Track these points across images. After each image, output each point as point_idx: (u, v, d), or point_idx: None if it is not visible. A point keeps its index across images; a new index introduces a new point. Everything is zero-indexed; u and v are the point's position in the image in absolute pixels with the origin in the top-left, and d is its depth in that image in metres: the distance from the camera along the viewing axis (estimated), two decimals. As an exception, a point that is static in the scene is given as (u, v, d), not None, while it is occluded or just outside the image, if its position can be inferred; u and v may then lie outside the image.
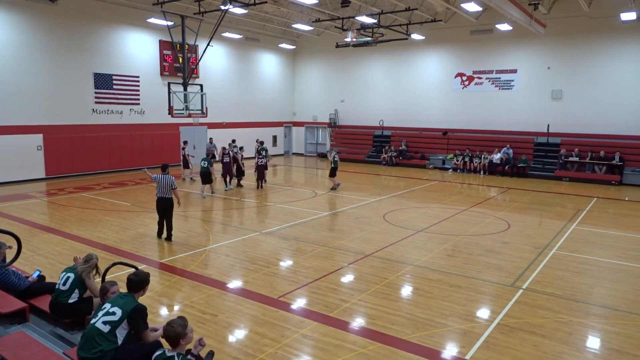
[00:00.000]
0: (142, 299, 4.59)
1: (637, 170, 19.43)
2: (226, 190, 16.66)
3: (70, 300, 5.09)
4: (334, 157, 17.27)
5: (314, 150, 31.07)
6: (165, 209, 10.15)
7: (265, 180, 17.85)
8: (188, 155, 18.97)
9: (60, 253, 9.21)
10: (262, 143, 18.79)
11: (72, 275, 5.18)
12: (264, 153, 17.95)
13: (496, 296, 7.36)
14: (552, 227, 11.97)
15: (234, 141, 18.57)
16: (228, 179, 16.96)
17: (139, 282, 4.45)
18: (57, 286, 5.19)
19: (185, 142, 19.62)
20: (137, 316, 4.20)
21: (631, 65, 20.14)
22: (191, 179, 18.70)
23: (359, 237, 10.77)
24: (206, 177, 15.65)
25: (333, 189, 17.15)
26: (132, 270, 4.90)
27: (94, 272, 5.33)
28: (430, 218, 12.87)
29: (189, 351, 3.94)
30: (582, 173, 20.32)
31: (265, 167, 17.49)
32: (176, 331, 3.79)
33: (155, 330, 4.51)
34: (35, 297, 5.47)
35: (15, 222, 11.71)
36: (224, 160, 16.81)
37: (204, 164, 15.69)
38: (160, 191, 10.10)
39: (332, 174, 17.25)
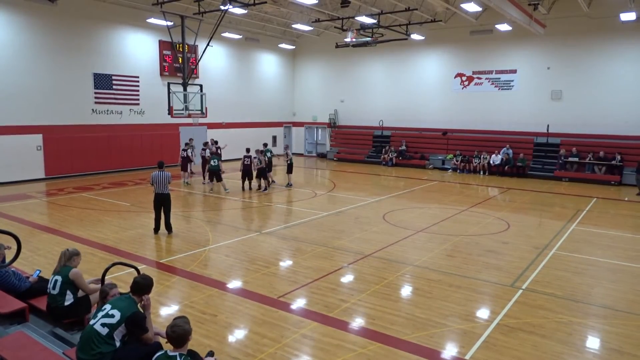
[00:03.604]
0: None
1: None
2: (264, 191, 16.71)
3: (66, 303, 5.07)
4: (288, 154, 17.97)
5: (313, 150, 31.11)
6: (163, 203, 10.64)
7: (261, 184, 17.46)
8: (193, 155, 18.74)
9: (59, 253, 9.19)
10: (265, 145, 18.61)
11: (59, 278, 5.14)
12: (269, 154, 17.64)
13: (496, 296, 7.37)
14: (551, 228, 11.98)
15: (265, 145, 18.48)
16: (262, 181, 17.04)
17: (145, 286, 4.42)
18: (48, 290, 5.17)
19: (190, 145, 19.24)
20: (134, 322, 4.18)
21: (631, 65, 20.14)
22: (187, 183, 18.38)
23: (359, 237, 10.77)
24: (216, 174, 16.44)
25: (290, 185, 17.72)
26: (132, 270, 4.89)
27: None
28: (430, 218, 12.87)
29: (190, 351, 3.94)
30: (581, 173, 20.32)
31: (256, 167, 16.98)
32: (185, 328, 3.79)
33: (158, 334, 4.51)
34: (35, 297, 5.45)
35: (15, 222, 11.71)
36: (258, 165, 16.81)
37: (214, 162, 16.47)
38: (158, 187, 10.54)
39: (290, 170, 17.82)
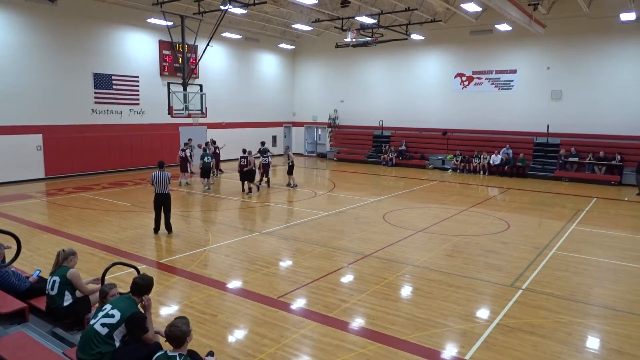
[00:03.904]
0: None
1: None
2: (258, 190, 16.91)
3: (65, 304, 5.06)
4: (289, 156, 18.06)
5: (313, 150, 31.11)
6: (163, 203, 10.69)
7: (261, 183, 17.50)
8: (192, 156, 18.64)
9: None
10: (263, 144, 18.59)
11: (57, 279, 5.12)
12: (268, 154, 17.64)
13: (496, 296, 7.37)
14: (551, 228, 11.98)
15: (263, 144, 18.47)
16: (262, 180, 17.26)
17: (145, 287, 4.41)
18: (46, 291, 5.15)
19: (189, 145, 19.13)
20: (134, 322, 4.18)
21: (631, 65, 20.14)
22: (187, 183, 18.38)
23: (359, 237, 10.77)
24: (207, 172, 16.80)
25: (295, 185, 17.78)
26: (132, 270, 4.88)
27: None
28: (430, 218, 12.87)
29: (190, 352, 3.93)
30: (581, 173, 20.32)
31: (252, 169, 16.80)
32: (182, 330, 3.78)
33: (158, 333, 4.50)
34: (35, 297, 5.44)
35: (14, 222, 11.70)
36: (263, 162, 17.05)
37: (207, 159, 16.76)
38: (158, 187, 10.58)
39: (290, 171, 17.91)
